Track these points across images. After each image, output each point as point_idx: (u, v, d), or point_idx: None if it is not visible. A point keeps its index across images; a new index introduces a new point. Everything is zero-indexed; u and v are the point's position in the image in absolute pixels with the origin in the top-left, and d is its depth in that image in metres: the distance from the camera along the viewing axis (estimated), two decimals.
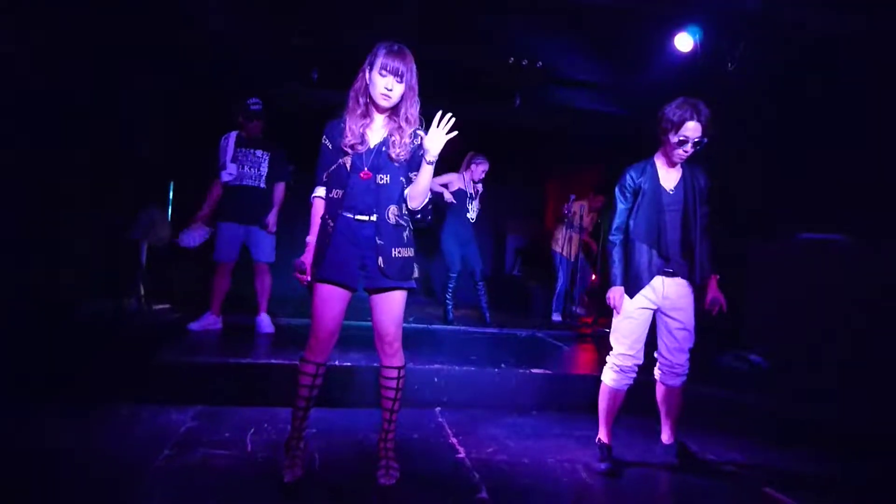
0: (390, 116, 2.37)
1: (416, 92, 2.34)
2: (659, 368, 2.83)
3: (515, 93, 6.13)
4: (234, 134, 4.31)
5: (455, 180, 5.40)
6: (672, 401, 2.85)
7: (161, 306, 5.16)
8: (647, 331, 2.75)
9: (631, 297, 2.71)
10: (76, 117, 4.43)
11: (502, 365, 3.85)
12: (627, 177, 2.76)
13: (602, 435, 2.83)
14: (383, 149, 2.33)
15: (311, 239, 2.39)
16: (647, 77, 5.62)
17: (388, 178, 2.32)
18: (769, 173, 5.19)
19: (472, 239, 5.48)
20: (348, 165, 2.31)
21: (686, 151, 2.65)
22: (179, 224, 4.50)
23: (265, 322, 4.42)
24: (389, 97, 2.28)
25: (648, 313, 2.73)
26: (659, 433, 2.95)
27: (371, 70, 2.28)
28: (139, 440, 2.69)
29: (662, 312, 2.74)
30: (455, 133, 2.26)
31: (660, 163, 2.77)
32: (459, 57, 5.71)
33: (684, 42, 5.18)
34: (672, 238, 2.70)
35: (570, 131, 7.27)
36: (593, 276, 6.70)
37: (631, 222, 2.75)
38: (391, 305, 2.35)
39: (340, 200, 2.31)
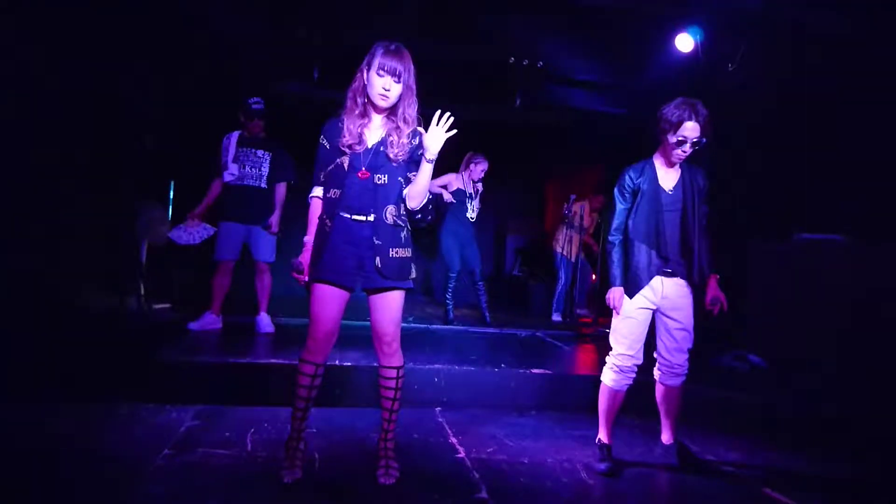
0: (388, 116, 2.37)
1: (415, 92, 2.33)
2: (658, 369, 2.83)
3: (515, 93, 6.13)
4: (236, 134, 4.32)
5: (454, 180, 5.40)
6: (672, 401, 2.85)
7: (161, 306, 5.17)
8: (646, 331, 2.75)
9: (630, 297, 2.71)
10: (76, 117, 4.43)
11: (502, 365, 3.85)
12: (626, 177, 2.76)
13: (602, 435, 2.83)
14: (381, 149, 2.32)
15: (309, 239, 2.39)
16: (647, 77, 5.63)
17: (385, 178, 2.31)
18: (769, 173, 5.19)
19: (471, 239, 5.48)
20: (346, 165, 2.31)
21: (685, 152, 2.65)
22: (180, 223, 4.50)
23: (265, 322, 4.43)
24: (387, 97, 2.28)
25: (648, 313, 2.73)
26: (659, 433, 2.95)
27: (369, 70, 2.28)
28: (139, 439, 2.69)
29: (662, 312, 2.74)
30: (454, 131, 2.26)
31: (659, 163, 2.77)
32: (459, 56, 5.71)
33: (685, 42, 5.18)
34: (671, 238, 2.70)
35: (570, 131, 7.27)
36: (593, 277, 6.70)
37: (630, 222, 2.75)
38: (389, 305, 2.35)
39: (338, 200, 2.31)
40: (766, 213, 5.11)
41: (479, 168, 5.41)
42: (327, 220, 2.33)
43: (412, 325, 5.28)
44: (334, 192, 2.33)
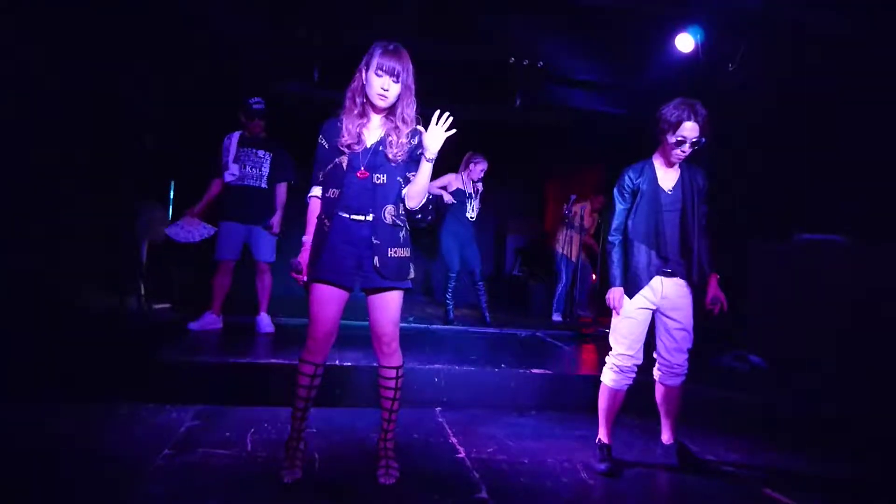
0: (387, 116, 2.37)
1: (413, 92, 2.33)
2: (658, 369, 2.83)
3: (515, 93, 6.13)
4: (237, 134, 4.32)
5: (453, 180, 5.40)
6: (671, 401, 2.85)
7: (161, 306, 5.17)
8: (646, 331, 2.75)
9: (630, 297, 2.71)
10: (76, 117, 4.43)
11: (502, 365, 3.85)
12: (626, 177, 2.76)
13: (602, 435, 2.83)
14: (380, 148, 2.32)
15: (308, 238, 2.39)
16: (647, 77, 5.63)
17: (384, 178, 2.31)
18: (769, 173, 5.19)
19: (471, 239, 5.48)
20: (345, 165, 2.31)
21: (684, 152, 2.65)
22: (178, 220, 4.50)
23: (265, 321, 4.43)
24: (386, 97, 2.28)
25: (648, 313, 2.73)
26: (659, 433, 2.95)
27: (367, 70, 2.28)
28: (139, 439, 2.69)
29: (661, 312, 2.74)
30: (454, 131, 2.26)
31: (658, 163, 2.77)
32: (459, 56, 5.71)
33: (685, 42, 5.18)
34: (671, 238, 2.70)
35: (570, 131, 7.27)
36: (593, 277, 6.71)
37: (630, 223, 2.75)
38: (388, 305, 2.35)
39: (337, 200, 2.31)
40: (766, 213, 5.11)
41: (479, 168, 5.41)
42: (326, 220, 2.33)
43: (412, 325, 5.28)
44: (333, 192, 2.33)
